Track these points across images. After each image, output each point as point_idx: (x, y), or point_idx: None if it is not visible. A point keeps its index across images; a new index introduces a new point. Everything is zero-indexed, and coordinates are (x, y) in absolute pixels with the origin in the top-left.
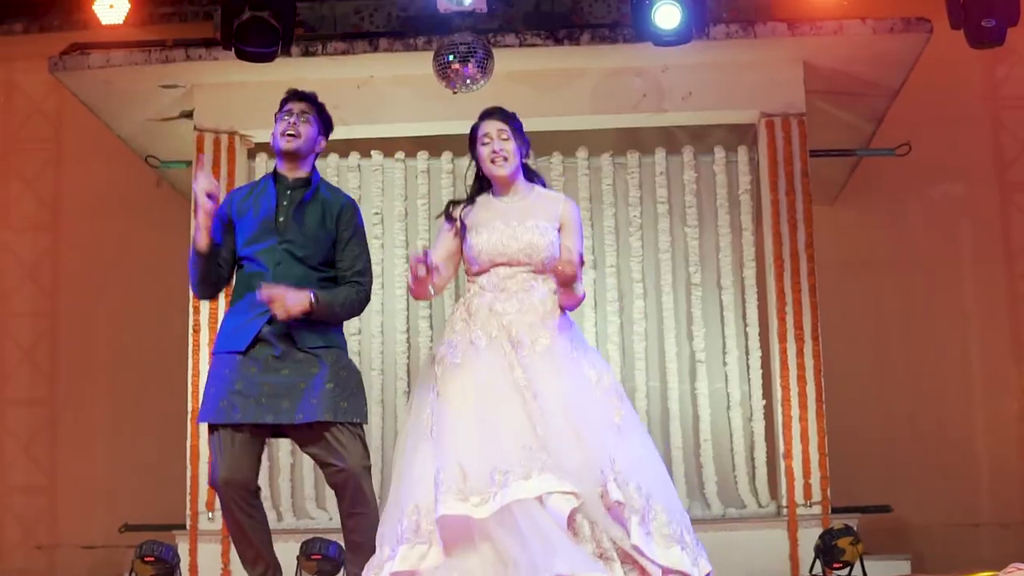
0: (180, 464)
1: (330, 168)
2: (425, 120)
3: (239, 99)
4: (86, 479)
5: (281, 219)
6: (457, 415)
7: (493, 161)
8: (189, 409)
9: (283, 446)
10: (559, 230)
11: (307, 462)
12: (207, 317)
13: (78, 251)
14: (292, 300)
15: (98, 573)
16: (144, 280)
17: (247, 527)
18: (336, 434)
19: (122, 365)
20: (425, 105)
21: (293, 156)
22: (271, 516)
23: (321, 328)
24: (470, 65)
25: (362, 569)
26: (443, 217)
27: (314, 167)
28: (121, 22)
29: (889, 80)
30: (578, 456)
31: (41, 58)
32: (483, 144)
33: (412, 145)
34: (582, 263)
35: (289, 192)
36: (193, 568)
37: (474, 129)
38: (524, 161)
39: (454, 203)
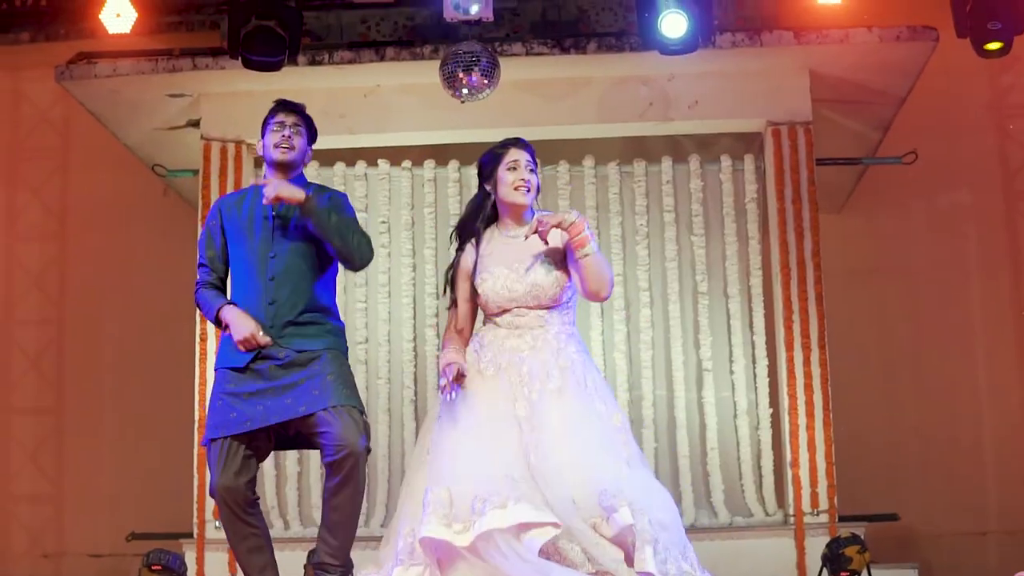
0: (187, 472)
1: (336, 177)
2: (432, 129)
3: (246, 108)
4: (93, 487)
5: (271, 230)
6: (452, 441)
7: (517, 188)
8: (196, 417)
9: (290, 455)
10: (566, 246)
11: (314, 471)
12: (213, 327)
13: (85, 260)
14: (288, 189)
15: None
16: (151, 289)
17: (248, 535)
18: (339, 414)
19: (128, 373)
20: (432, 114)
21: (287, 168)
22: (278, 525)
23: (315, 331)
24: (476, 74)
25: (333, 552)
26: (456, 251)
27: (302, 175)
28: (128, 31)
29: (895, 88)
30: (573, 486)
31: (48, 67)
32: (511, 169)
33: (419, 154)
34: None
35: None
36: None
37: (497, 155)
38: None
39: (462, 236)
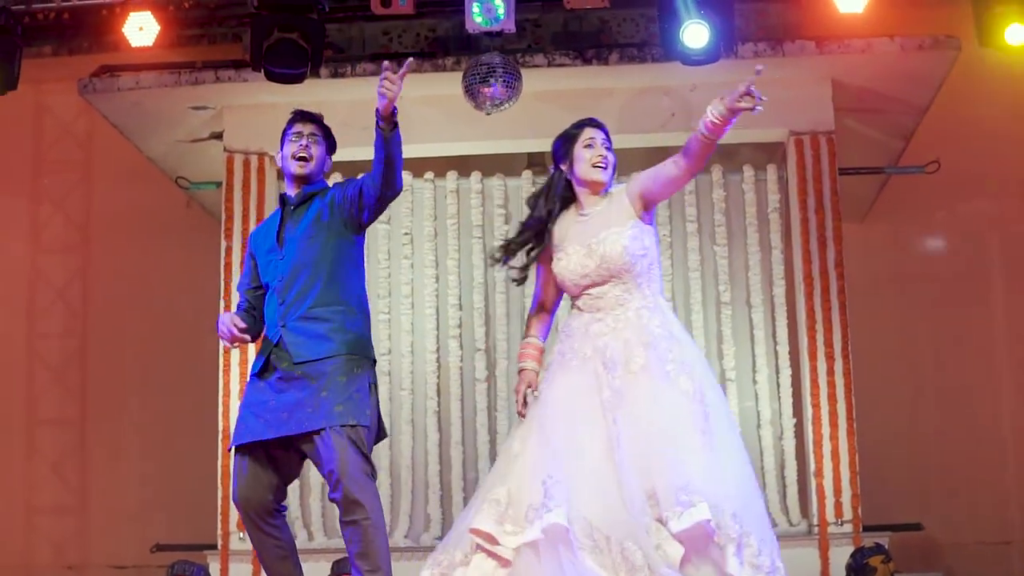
0: (211, 484)
1: None
2: (454, 140)
3: (268, 120)
4: (117, 499)
5: (281, 235)
6: (519, 440)
7: (595, 165)
8: (220, 429)
9: (312, 465)
10: (642, 203)
11: None
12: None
13: (108, 272)
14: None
15: None
16: (174, 300)
17: (269, 545)
18: (327, 439)
19: (152, 385)
20: (454, 125)
21: (305, 179)
22: (302, 535)
23: (318, 340)
24: (498, 85)
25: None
26: (532, 240)
27: (322, 182)
28: (151, 44)
29: (918, 98)
30: (652, 479)
31: (71, 80)
32: (588, 147)
33: (441, 165)
34: None
35: (293, 210)
36: None
37: (572, 135)
38: None
39: (538, 220)
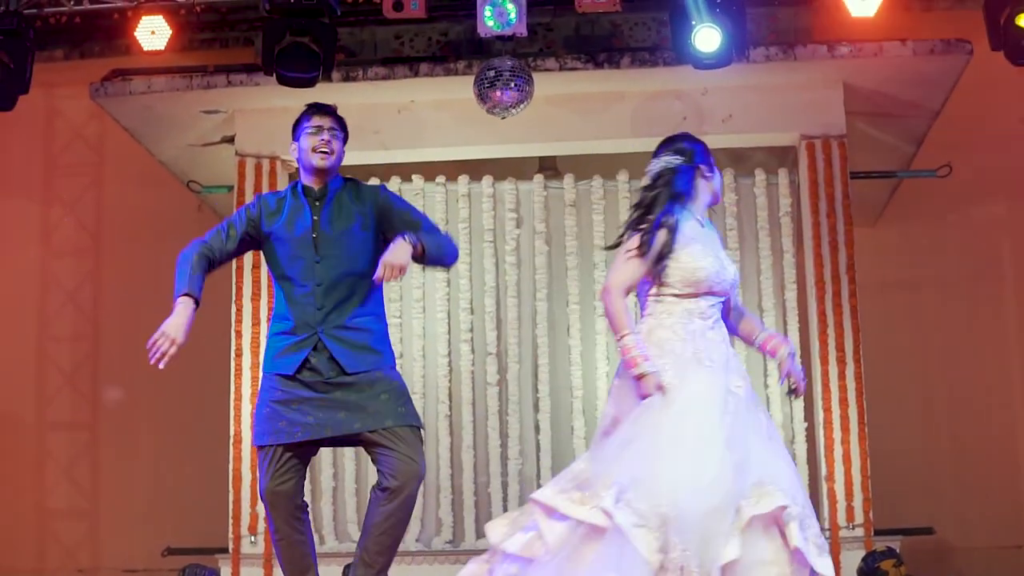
0: (223, 487)
1: None
2: (466, 144)
3: (280, 124)
4: (128, 503)
5: (315, 235)
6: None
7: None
8: (231, 433)
9: (324, 469)
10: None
11: (349, 485)
12: (249, 341)
13: (119, 275)
14: (398, 258)
15: None
16: None
17: (295, 542)
18: (400, 434)
19: (164, 389)
20: (466, 129)
21: (327, 172)
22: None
23: (365, 351)
24: (510, 89)
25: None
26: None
27: (338, 176)
28: (163, 48)
29: (929, 101)
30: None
31: (82, 84)
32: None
33: (453, 169)
34: None
35: (318, 204)
36: None
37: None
38: None
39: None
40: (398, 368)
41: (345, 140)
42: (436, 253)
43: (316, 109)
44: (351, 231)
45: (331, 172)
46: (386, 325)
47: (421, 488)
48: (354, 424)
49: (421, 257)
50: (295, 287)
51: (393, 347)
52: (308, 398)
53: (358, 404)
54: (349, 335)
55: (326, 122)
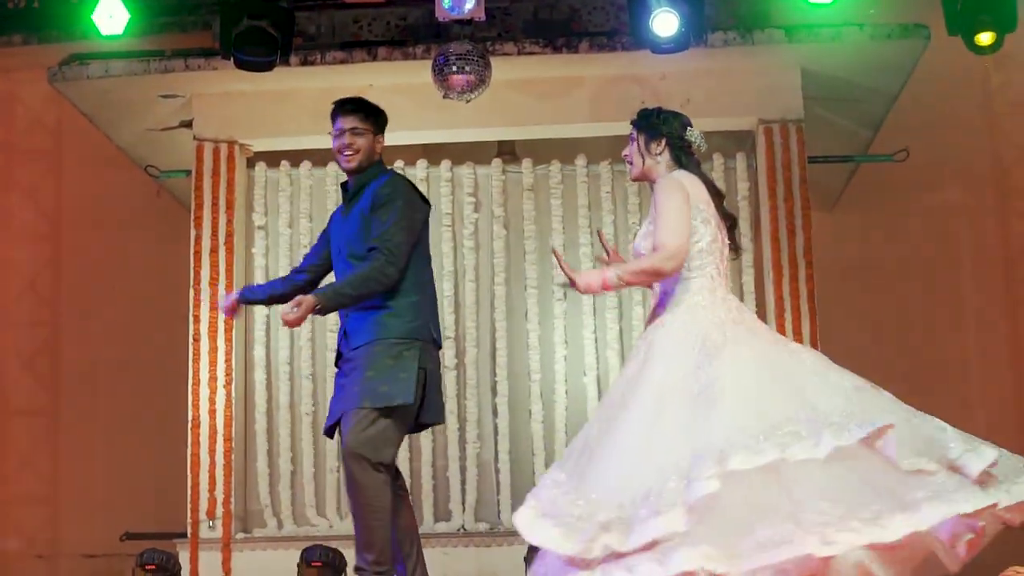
0: (181, 473)
1: (329, 177)
2: (424, 128)
3: (239, 108)
4: (87, 488)
5: (344, 221)
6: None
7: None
8: (190, 418)
9: (283, 453)
10: None
11: (307, 470)
12: (207, 326)
13: (79, 261)
14: (289, 314)
15: None
16: (145, 289)
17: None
18: (347, 419)
19: (123, 374)
20: (424, 114)
21: (355, 170)
22: (271, 524)
23: (367, 323)
24: (468, 73)
25: (358, 553)
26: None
27: (378, 165)
28: (120, 32)
29: (887, 86)
30: None
31: (41, 69)
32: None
33: (411, 153)
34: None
35: (348, 200)
36: None
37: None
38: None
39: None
40: None
41: (376, 128)
42: (336, 302)
43: (337, 109)
44: (359, 216)
45: (361, 168)
46: (397, 306)
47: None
48: (336, 412)
49: (321, 310)
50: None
51: None
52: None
53: (343, 388)
54: (362, 307)
55: (347, 123)
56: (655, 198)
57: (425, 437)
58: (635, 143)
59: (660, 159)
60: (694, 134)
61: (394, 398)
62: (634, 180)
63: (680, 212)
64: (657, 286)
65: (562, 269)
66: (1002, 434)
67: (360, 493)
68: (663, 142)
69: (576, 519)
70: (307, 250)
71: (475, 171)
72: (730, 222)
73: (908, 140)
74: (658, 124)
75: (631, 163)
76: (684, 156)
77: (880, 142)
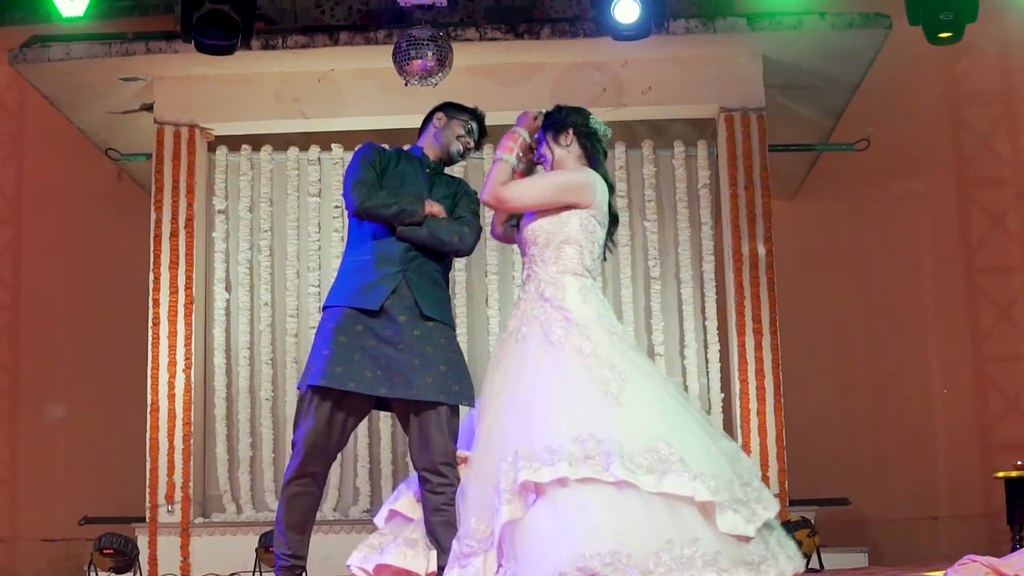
0: (140, 457)
1: (290, 161)
2: (386, 113)
3: (200, 92)
4: (46, 472)
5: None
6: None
7: None
8: (149, 402)
9: (242, 438)
10: None
11: (267, 455)
12: (166, 310)
13: (39, 244)
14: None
15: (58, 566)
16: (105, 273)
17: (313, 498)
18: (442, 416)
19: (83, 357)
20: (386, 98)
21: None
22: (230, 509)
23: (441, 299)
24: (429, 59)
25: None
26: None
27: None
28: (82, 14)
29: (848, 75)
30: None
31: (1, 51)
32: None
33: (373, 138)
34: None
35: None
36: (152, 560)
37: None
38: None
39: None
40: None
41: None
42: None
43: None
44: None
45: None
46: None
47: (339, 458)
48: (410, 389)
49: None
50: (381, 229)
51: (312, 315)
52: (374, 352)
53: (415, 366)
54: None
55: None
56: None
57: (384, 422)
58: (544, 143)
59: (570, 150)
60: (598, 123)
61: None
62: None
63: (547, 188)
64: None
65: None
66: (961, 423)
67: None
68: (571, 132)
69: None
70: (267, 235)
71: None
72: (612, 219)
73: (869, 129)
74: (564, 117)
75: (544, 160)
76: (591, 144)
77: (841, 131)
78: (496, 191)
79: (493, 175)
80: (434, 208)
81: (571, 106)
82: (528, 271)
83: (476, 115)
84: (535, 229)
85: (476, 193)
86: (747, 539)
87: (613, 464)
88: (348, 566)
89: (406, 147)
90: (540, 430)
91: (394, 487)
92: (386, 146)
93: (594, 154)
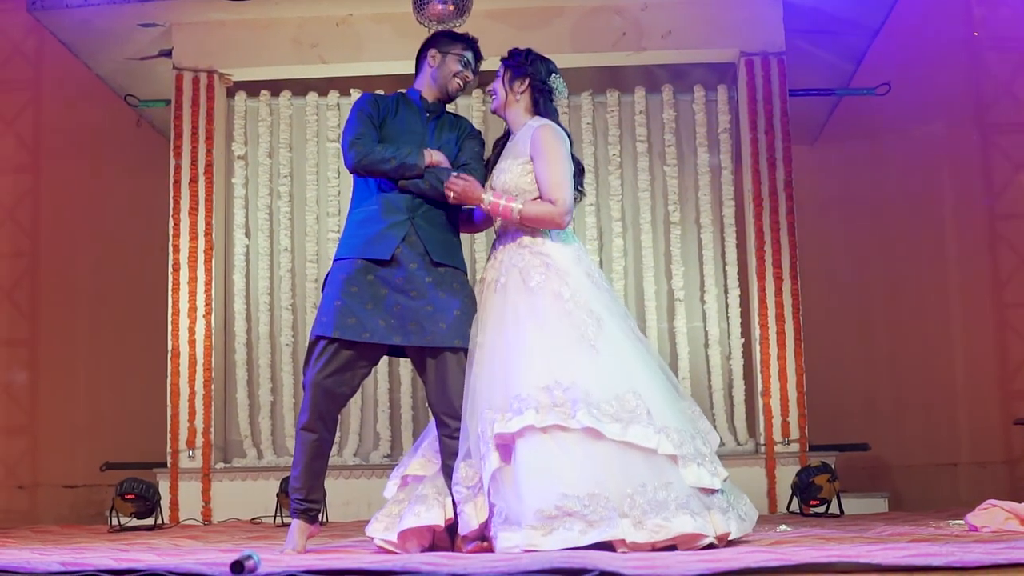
0: (161, 403)
1: (309, 107)
2: (404, 58)
3: (218, 38)
4: (67, 419)
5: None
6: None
7: None
8: (169, 347)
9: (263, 384)
10: None
11: (287, 400)
12: (186, 256)
13: (58, 191)
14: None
15: (79, 512)
16: (124, 219)
17: (326, 443)
18: (459, 359)
19: (103, 304)
20: (404, 43)
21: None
22: (251, 454)
23: (451, 244)
24: (447, 3)
25: None
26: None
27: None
28: None
29: (869, 19)
30: None
31: None
32: None
33: (391, 83)
34: None
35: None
36: (174, 505)
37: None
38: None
39: None
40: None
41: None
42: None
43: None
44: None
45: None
46: None
47: (359, 402)
48: (424, 336)
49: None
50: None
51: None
52: (387, 301)
53: (429, 313)
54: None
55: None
56: (541, 146)
57: (404, 367)
58: (501, 78)
59: (520, 99)
60: (558, 81)
61: None
62: (493, 112)
63: (568, 166)
64: (500, 221)
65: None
66: (981, 369)
67: None
68: (526, 82)
69: None
70: (287, 181)
71: (456, 102)
72: (578, 168)
73: (890, 75)
74: (524, 64)
75: (495, 95)
76: (544, 101)
77: (862, 76)
78: (558, 213)
79: (538, 216)
80: (434, 157)
81: (538, 55)
82: (503, 223)
83: (470, 44)
84: (507, 184)
85: (480, 134)
86: (712, 491)
87: (579, 411)
88: (371, 539)
89: (404, 90)
90: (514, 379)
91: (414, 433)
92: (381, 91)
93: (545, 109)
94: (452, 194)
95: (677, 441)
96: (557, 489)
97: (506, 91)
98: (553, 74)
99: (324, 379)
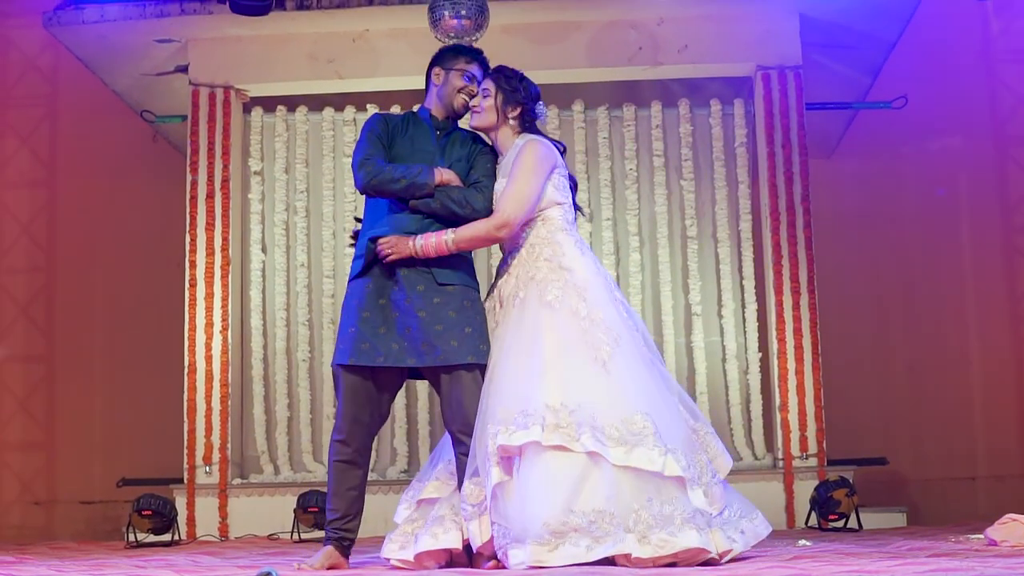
0: (177, 418)
1: (325, 122)
2: (421, 74)
3: (234, 53)
4: (84, 434)
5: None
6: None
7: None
8: (186, 363)
9: (279, 400)
10: None
11: (304, 416)
12: (203, 272)
13: (74, 206)
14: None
15: (96, 528)
16: (141, 234)
17: (360, 476)
18: (473, 376)
19: (119, 320)
20: (421, 58)
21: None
22: (268, 470)
23: (457, 264)
24: (464, 18)
25: None
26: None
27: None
28: None
29: (886, 33)
30: None
31: (35, 13)
32: None
33: (408, 98)
34: None
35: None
36: (191, 521)
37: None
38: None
39: None
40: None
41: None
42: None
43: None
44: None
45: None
46: None
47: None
48: (437, 355)
49: None
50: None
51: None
52: (397, 322)
53: (439, 332)
54: None
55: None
56: (518, 160)
57: (421, 383)
58: (491, 98)
59: (512, 122)
60: (541, 108)
61: None
62: (475, 128)
63: (535, 181)
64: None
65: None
66: (999, 383)
67: None
68: (519, 110)
69: None
70: (303, 196)
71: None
72: (571, 184)
73: (907, 88)
74: (519, 90)
75: (479, 112)
76: (531, 122)
77: (878, 89)
78: (493, 226)
79: (472, 236)
80: (445, 176)
81: (528, 79)
82: (513, 239)
83: (475, 56)
84: None
85: (493, 150)
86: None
87: (584, 435)
88: (385, 560)
89: (416, 107)
90: (522, 395)
91: (431, 448)
92: (397, 108)
93: (531, 128)
94: (388, 257)
95: (684, 464)
96: (563, 504)
97: (498, 113)
98: (539, 102)
99: (351, 407)
